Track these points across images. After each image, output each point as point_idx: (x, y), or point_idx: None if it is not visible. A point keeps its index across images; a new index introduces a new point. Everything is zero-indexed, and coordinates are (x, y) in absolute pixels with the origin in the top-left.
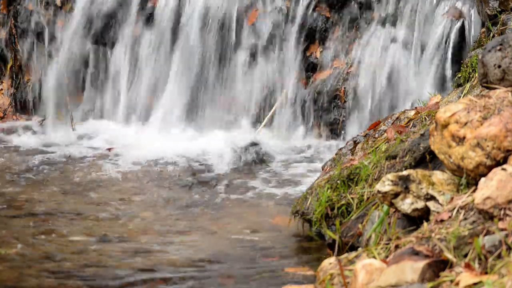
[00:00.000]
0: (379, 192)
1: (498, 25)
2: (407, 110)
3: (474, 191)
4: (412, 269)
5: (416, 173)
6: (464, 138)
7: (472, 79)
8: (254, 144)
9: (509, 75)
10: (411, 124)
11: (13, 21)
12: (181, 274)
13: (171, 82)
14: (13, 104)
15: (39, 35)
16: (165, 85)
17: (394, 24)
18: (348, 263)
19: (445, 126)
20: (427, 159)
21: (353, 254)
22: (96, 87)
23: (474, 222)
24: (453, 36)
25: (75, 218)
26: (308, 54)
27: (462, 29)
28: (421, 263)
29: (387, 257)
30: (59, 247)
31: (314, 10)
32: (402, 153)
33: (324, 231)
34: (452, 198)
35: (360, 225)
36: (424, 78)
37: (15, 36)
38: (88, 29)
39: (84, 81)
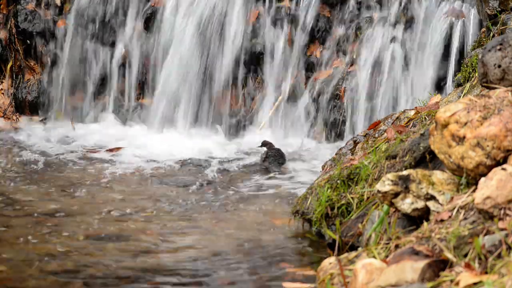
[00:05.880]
0: (379, 191)
1: (498, 25)
2: (407, 109)
3: (474, 190)
4: (412, 268)
5: (416, 173)
6: (464, 137)
7: (472, 79)
8: (256, 145)
9: (509, 75)
10: (411, 124)
11: (13, 21)
12: (181, 273)
13: (170, 83)
14: (13, 104)
15: (39, 35)
16: (164, 86)
17: (394, 24)
18: (348, 263)
19: (445, 126)
20: (427, 159)
21: (353, 253)
22: (96, 87)
23: (474, 222)
24: (453, 36)
25: (75, 218)
26: (308, 54)
27: (462, 29)
28: (421, 263)
29: (387, 256)
30: (59, 247)
31: (314, 10)
32: (402, 153)
33: (324, 231)
34: (452, 198)
35: (360, 225)
36: (424, 78)
37: (15, 36)
38: (88, 29)
39: (85, 81)
